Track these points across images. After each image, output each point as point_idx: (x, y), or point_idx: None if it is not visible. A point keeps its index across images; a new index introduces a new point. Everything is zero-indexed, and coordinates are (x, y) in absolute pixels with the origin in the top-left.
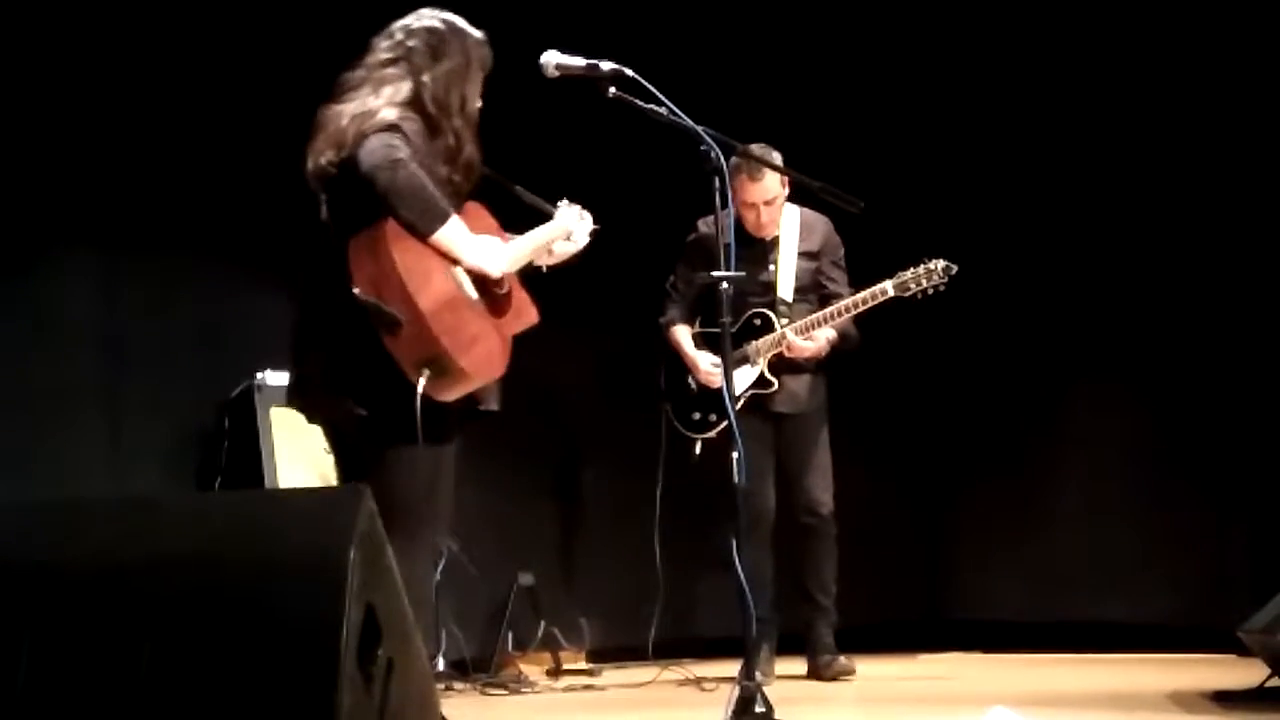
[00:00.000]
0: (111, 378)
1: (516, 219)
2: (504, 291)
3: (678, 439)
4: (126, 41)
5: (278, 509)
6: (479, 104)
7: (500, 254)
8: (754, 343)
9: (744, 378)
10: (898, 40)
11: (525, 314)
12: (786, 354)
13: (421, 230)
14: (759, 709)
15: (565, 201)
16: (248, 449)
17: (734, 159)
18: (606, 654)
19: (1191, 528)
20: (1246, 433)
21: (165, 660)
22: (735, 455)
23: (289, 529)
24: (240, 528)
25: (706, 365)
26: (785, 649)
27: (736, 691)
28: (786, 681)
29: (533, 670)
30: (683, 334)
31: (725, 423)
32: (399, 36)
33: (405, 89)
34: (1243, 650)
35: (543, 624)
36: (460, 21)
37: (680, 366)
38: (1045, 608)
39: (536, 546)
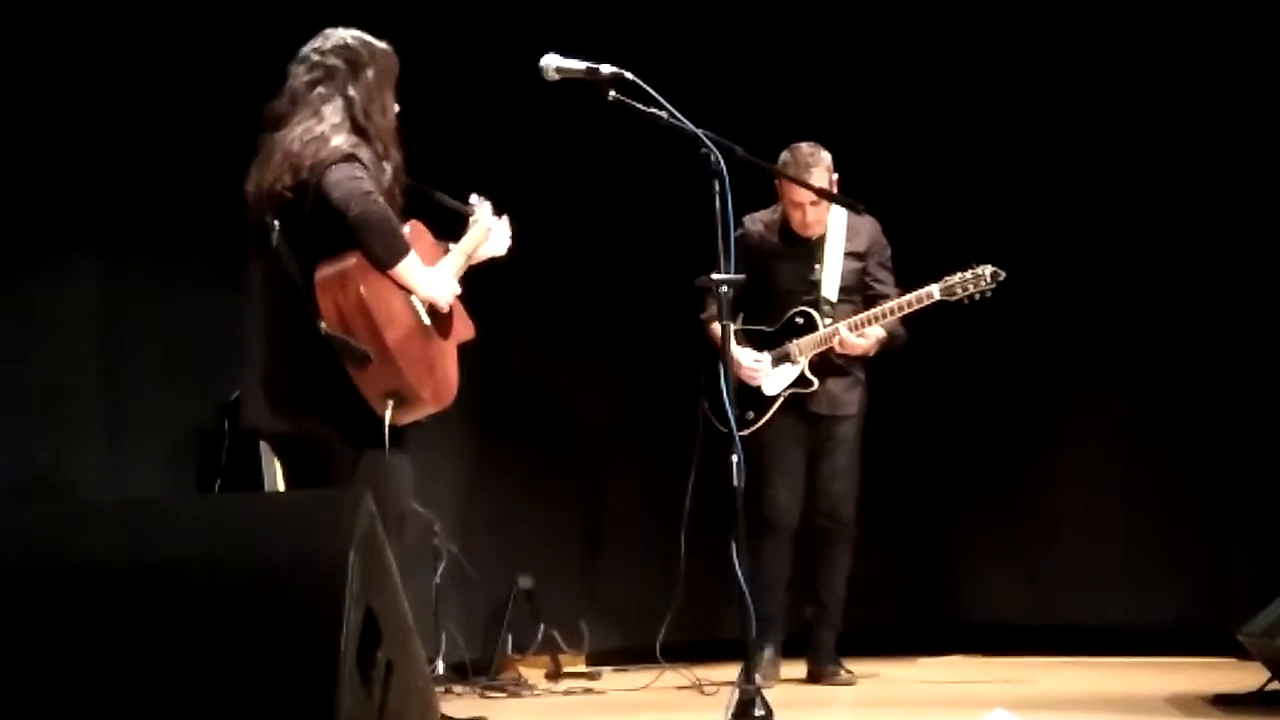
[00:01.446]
0: (111, 379)
1: (435, 222)
2: (446, 311)
3: (715, 434)
4: (127, 43)
5: (278, 511)
6: (396, 109)
7: (448, 283)
8: (795, 341)
9: (784, 376)
10: (901, 42)
11: (464, 329)
12: (837, 349)
13: (385, 263)
14: (758, 712)
15: (475, 196)
16: (248, 451)
17: (782, 156)
18: (606, 657)
19: (1192, 531)
20: (1247, 436)
21: (166, 663)
22: (735, 459)
23: (289, 531)
24: (240, 530)
25: (748, 362)
26: (785, 651)
27: (736, 694)
28: (786, 684)
29: (532, 673)
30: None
31: (763, 420)
32: (315, 58)
33: (339, 107)
34: (1243, 653)
35: (542, 627)
36: (366, 35)
37: (719, 363)
38: (1045, 610)
39: (536, 549)
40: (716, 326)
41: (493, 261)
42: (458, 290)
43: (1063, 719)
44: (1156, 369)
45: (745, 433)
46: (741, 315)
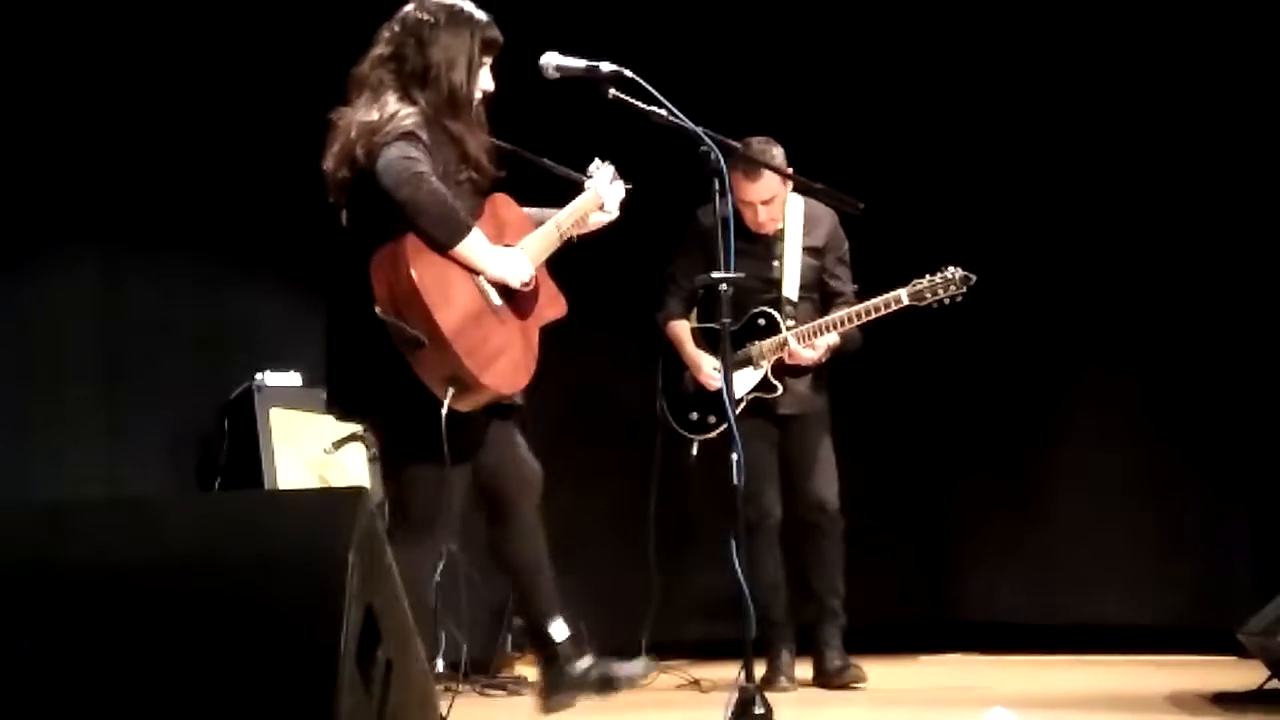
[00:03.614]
0: (111, 378)
1: (549, 192)
2: (530, 288)
3: (674, 437)
4: (128, 40)
5: (277, 510)
6: (483, 88)
7: (523, 262)
8: (758, 344)
9: (747, 380)
10: (900, 44)
11: (553, 306)
12: (787, 361)
13: (442, 244)
14: (758, 711)
15: (598, 162)
16: (247, 450)
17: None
18: (605, 655)
19: (1192, 529)
20: (1248, 434)
21: (165, 662)
22: (735, 457)
23: (288, 530)
24: (240, 529)
25: (709, 368)
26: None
27: (736, 693)
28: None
29: (531, 672)
30: (683, 330)
31: (725, 425)
32: (396, 28)
33: (401, 90)
34: (1243, 652)
35: None
36: (460, 5)
37: (677, 363)
38: (1045, 609)
39: None
40: (675, 325)
41: (605, 229)
42: (531, 271)
43: (1063, 718)
44: (1157, 368)
45: (710, 435)
46: (696, 313)
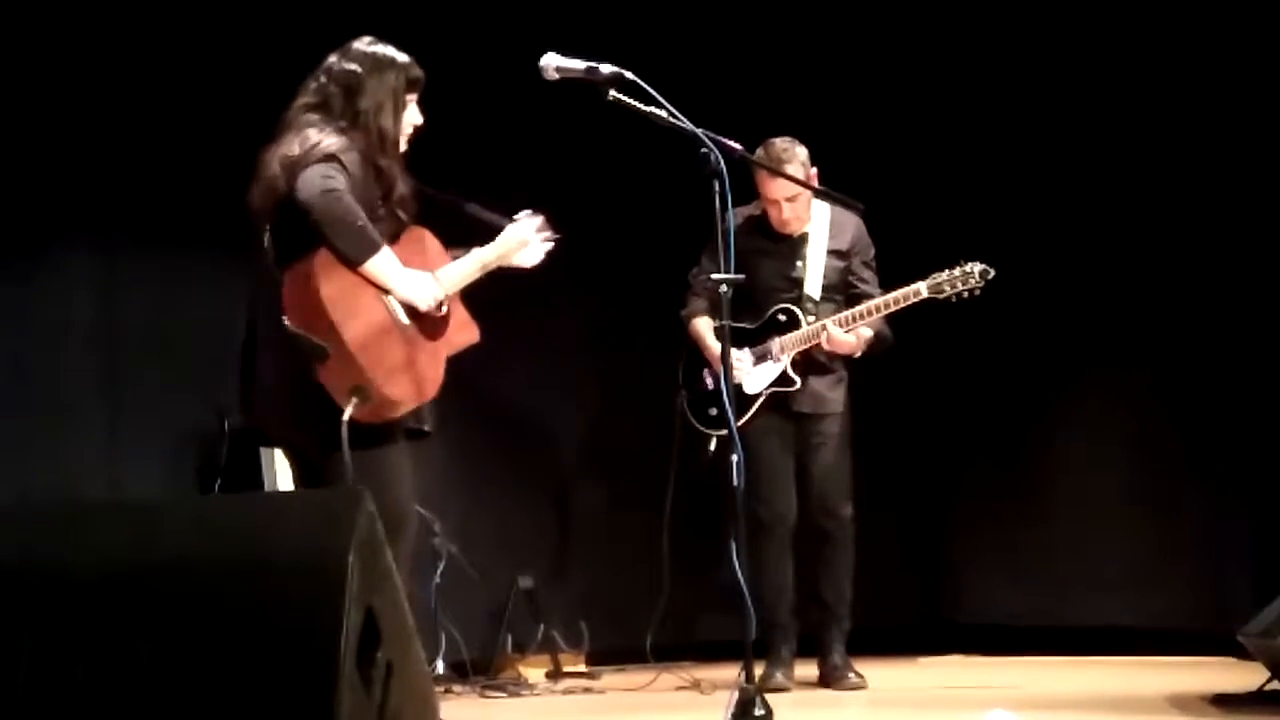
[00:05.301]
0: (111, 379)
1: (473, 236)
2: (441, 313)
3: (693, 433)
4: (128, 40)
5: (277, 512)
6: (412, 123)
7: (430, 287)
8: (778, 339)
9: (765, 374)
10: (888, 36)
11: (465, 332)
12: (825, 346)
13: (352, 260)
14: (758, 712)
15: (528, 212)
16: (247, 451)
17: (756, 152)
18: (606, 656)
19: (1192, 531)
20: (1248, 435)
21: (165, 663)
22: (734, 458)
23: (289, 532)
24: (240, 531)
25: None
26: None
27: (736, 694)
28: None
29: (532, 673)
30: (705, 326)
31: (743, 420)
32: (322, 79)
33: (330, 131)
34: (1243, 653)
35: (542, 626)
36: (383, 52)
37: (699, 360)
38: (1045, 611)
39: (536, 549)
40: (697, 322)
41: (527, 271)
42: (440, 295)
43: (1063, 719)
44: (1157, 369)
45: (723, 432)
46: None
